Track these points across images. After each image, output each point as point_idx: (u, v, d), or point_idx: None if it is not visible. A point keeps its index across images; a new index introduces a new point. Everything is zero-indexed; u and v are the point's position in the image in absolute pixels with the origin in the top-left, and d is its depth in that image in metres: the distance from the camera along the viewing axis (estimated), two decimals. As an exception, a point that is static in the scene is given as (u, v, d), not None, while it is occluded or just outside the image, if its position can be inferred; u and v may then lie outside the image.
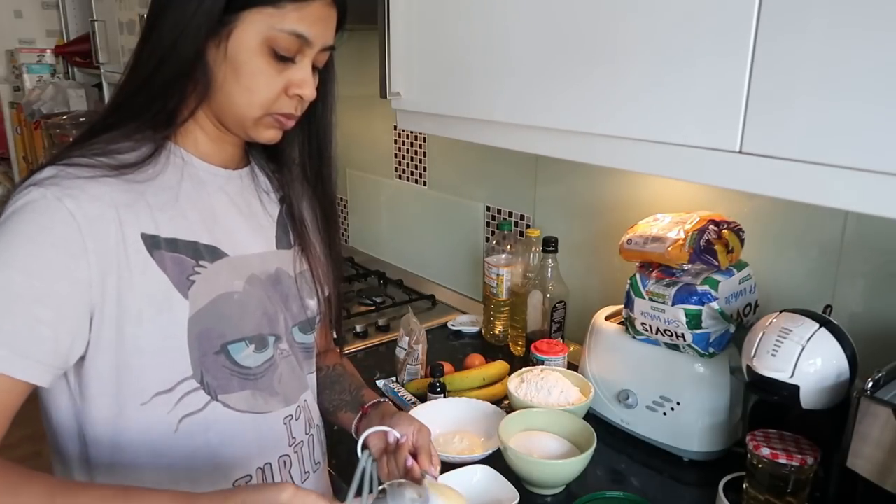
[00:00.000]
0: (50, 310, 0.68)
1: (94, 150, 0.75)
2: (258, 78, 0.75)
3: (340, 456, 1.08)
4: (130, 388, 0.75)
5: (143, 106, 0.77)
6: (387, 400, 0.98)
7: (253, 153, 0.91)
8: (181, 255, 0.76)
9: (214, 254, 0.80)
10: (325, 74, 0.85)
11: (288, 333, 0.88)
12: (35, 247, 0.67)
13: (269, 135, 0.81)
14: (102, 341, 0.73)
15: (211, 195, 0.82)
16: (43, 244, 0.68)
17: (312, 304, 0.92)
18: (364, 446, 0.86)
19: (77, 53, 3.27)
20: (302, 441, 0.90)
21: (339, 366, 1.05)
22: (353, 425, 0.94)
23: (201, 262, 0.78)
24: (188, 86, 0.76)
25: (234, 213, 0.84)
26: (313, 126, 0.88)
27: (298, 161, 0.91)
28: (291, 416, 0.89)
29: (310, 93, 0.79)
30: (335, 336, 1.06)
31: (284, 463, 0.88)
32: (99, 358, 0.74)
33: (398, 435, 0.84)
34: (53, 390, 0.77)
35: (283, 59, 0.76)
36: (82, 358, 0.74)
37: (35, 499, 0.62)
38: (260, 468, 0.85)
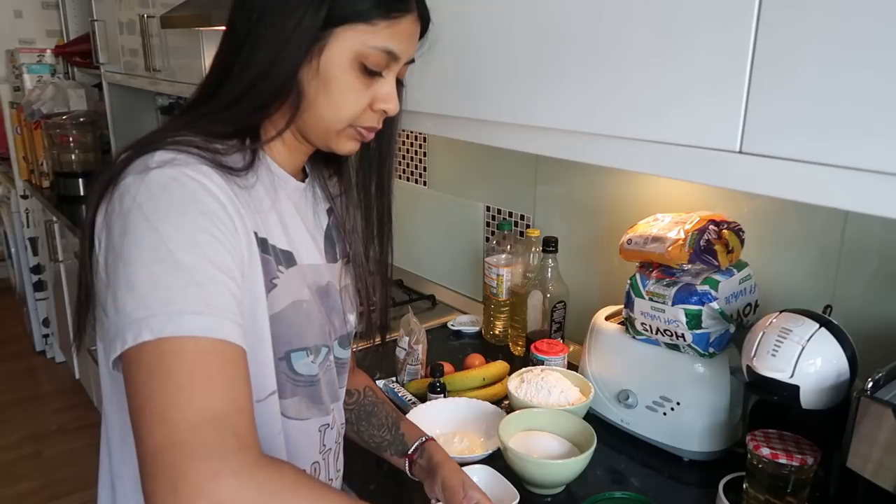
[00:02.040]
0: (237, 282, 0.66)
1: (194, 144, 0.72)
2: (347, 93, 0.75)
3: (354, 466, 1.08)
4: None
5: (229, 119, 0.75)
6: (428, 438, 0.98)
7: (312, 158, 0.90)
8: (269, 257, 0.76)
9: (290, 260, 0.80)
10: (401, 81, 0.84)
11: (331, 346, 0.89)
12: (207, 221, 0.64)
13: (350, 147, 0.81)
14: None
15: (282, 202, 0.82)
16: (213, 217, 0.65)
17: (352, 318, 0.93)
18: None
19: (77, 53, 3.28)
20: (331, 449, 0.92)
21: (370, 390, 1.06)
22: (407, 471, 0.97)
23: (280, 268, 0.78)
24: (277, 103, 0.76)
25: (299, 223, 0.84)
26: (379, 134, 0.86)
27: (358, 167, 0.91)
28: (327, 425, 0.90)
29: (394, 107, 0.79)
30: (380, 340, 1.03)
31: (315, 469, 0.89)
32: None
33: None
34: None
35: (371, 73, 0.76)
36: None
37: None
38: None
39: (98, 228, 0.68)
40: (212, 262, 0.63)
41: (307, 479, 0.61)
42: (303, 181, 0.86)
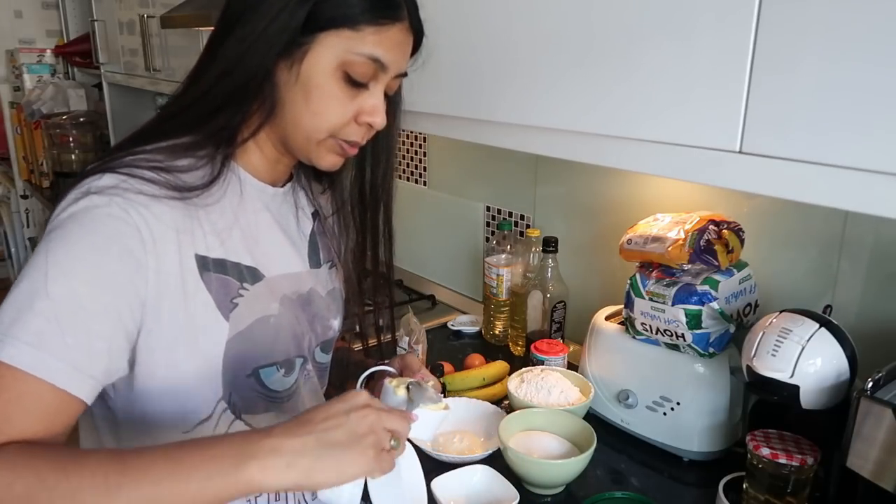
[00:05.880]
0: (108, 325, 0.65)
1: (153, 162, 0.71)
2: (329, 102, 0.73)
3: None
4: (175, 414, 0.74)
5: (200, 119, 0.74)
6: (387, 363, 1.00)
7: (302, 168, 0.89)
8: (228, 277, 0.75)
9: (255, 276, 0.78)
10: (394, 97, 0.83)
11: (311, 354, 0.88)
12: (100, 257, 0.64)
13: (331, 160, 0.78)
14: (152, 366, 0.71)
15: (257, 213, 0.80)
16: (108, 255, 0.65)
17: (336, 323, 0.93)
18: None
19: (77, 53, 3.28)
20: None
21: (338, 350, 1.05)
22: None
23: (244, 285, 0.76)
24: (252, 104, 0.74)
25: (276, 232, 0.82)
26: (378, 148, 0.85)
27: (358, 182, 0.89)
28: None
29: (380, 121, 0.76)
30: (389, 339, 1.05)
31: None
32: (151, 382, 0.72)
33: (379, 370, 0.88)
34: (96, 419, 0.76)
35: (356, 84, 0.73)
36: (129, 383, 0.72)
37: (88, 478, 0.58)
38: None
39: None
40: (81, 300, 0.63)
41: (40, 447, 0.61)
42: (284, 185, 0.85)
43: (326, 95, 0.73)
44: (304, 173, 0.91)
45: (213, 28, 0.77)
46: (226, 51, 0.72)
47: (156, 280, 0.68)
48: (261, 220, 0.81)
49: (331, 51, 0.71)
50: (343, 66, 0.72)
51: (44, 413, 0.62)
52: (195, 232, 0.72)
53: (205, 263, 0.72)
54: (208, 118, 0.74)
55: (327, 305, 0.90)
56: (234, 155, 0.78)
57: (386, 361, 0.93)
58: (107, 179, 0.68)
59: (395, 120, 0.85)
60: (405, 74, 0.80)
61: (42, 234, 0.70)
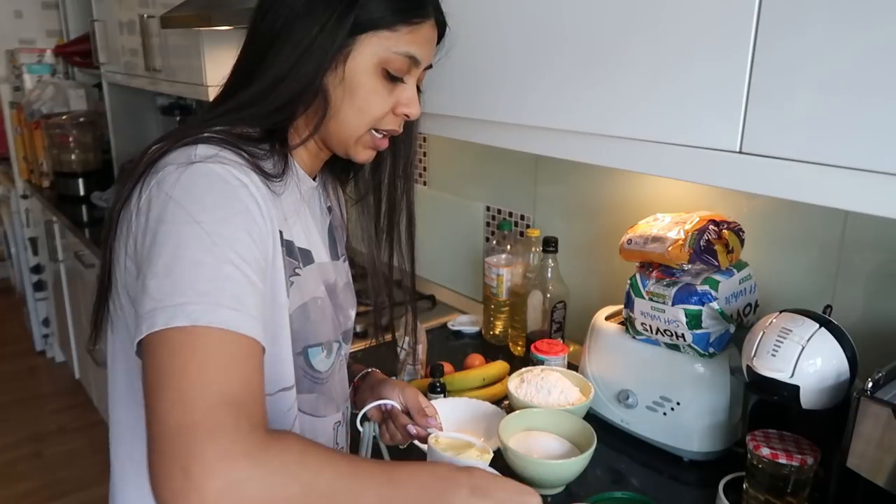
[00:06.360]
0: (261, 282, 0.66)
1: (233, 142, 0.72)
2: (372, 98, 0.78)
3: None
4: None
5: (259, 118, 0.76)
6: (373, 369, 1.03)
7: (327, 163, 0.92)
8: (289, 258, 0.78)
9: (308, 258, 0.82)
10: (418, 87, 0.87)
11: (343, 340, 0.92)
12: (242, 222, 0.65)
13: (367, 155, 0.84)
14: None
15: (305, 204, 0.85)
16: (248, 220, 0.66)
17: (353, 314, 0.96)
18: (365, 418, 0.95)
19: (77, 53, 3.27)
20: (343, 447, 0.94)
21: None
22: (349, 399, 1.01)
23: (300, 265, 0.80)
24: (308, 107, 0.77)
25: (313, 222, 0.87)
26: (400, 139, 0.89)
27: (378, 172, 0.93)
28: (339, 422, 0.92)
29: (416, 110, 0.83)
30: (413, 342, 1.08)
31: None
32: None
33: (388, 403, 0.92)
34: None
35: (394, 79, 0.79)
36: None
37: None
38: None
39: (130, 216, 0.68)
40: (246, 262, 0.64)
41: (312, 446, 0.61)
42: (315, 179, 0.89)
43: (369, 92, 0.78)
44: (326, 166, 0.93)
45: (249, 26, 0.79)
46: (277, 59, 0.74)
47: (271, 243, 0.70)
48: (308, 212, 0.86)
49: (370, 50, 0.76)
50: (382, 64, 0.77)
51: (261, 366, 0.63)
52: (275, 210, 0.74)
53: (282, 242, 0.76)
54: (266, 118, 0.77)
55: (345, 296, 0.93)
56: (290, 152, 0.82)
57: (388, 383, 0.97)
58: (205, 148, 0.69)
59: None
60: (431, 66, 0.85)
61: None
